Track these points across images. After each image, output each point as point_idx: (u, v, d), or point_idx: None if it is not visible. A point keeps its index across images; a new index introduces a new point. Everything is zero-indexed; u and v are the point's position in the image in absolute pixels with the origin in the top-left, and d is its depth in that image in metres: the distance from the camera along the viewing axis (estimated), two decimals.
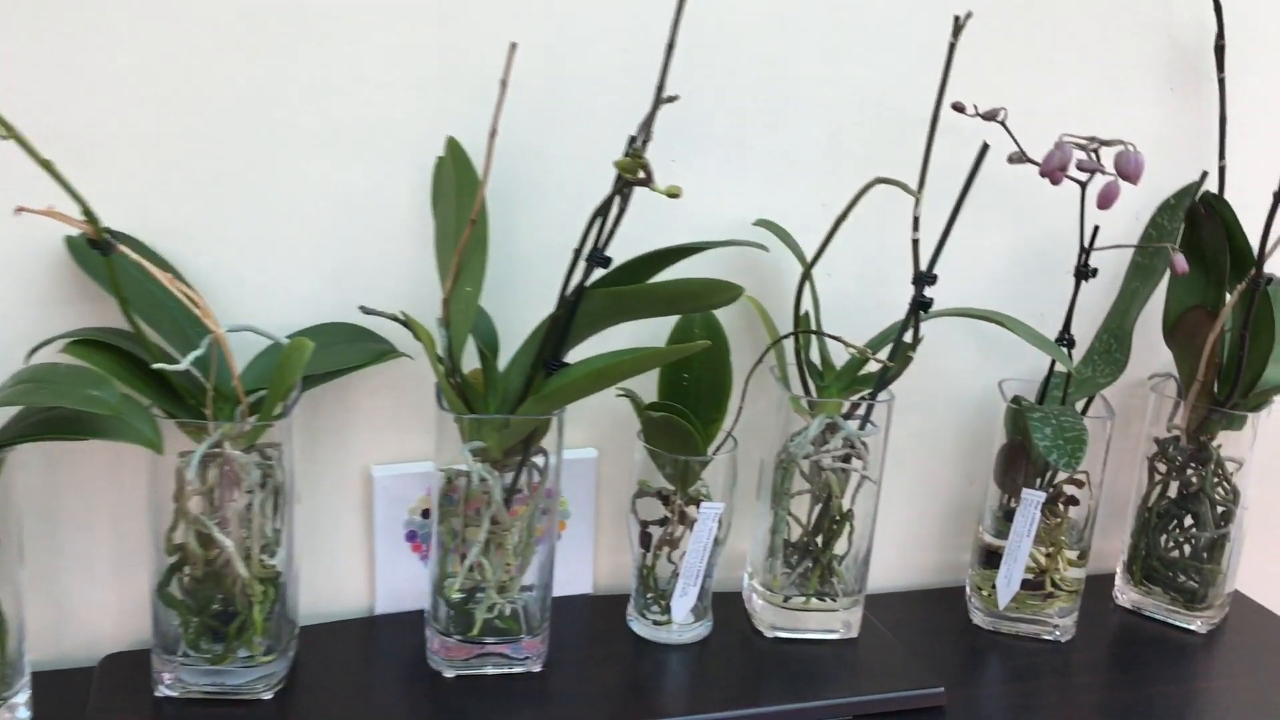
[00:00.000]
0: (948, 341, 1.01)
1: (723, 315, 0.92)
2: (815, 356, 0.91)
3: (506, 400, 0.80)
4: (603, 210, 0.72)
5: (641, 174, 0.66)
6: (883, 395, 0.88)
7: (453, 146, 0.79)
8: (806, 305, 0.89)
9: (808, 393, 0.90)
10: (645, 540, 0.89)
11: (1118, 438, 1.08)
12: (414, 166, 0.82)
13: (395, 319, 0.79)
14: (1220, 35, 0.96)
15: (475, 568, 0.81)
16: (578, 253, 0.74)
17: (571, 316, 0.77)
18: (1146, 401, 1.03)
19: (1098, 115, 0.98)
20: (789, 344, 0.90)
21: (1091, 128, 0.97)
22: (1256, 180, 0.95)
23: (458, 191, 0.78)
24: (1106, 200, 0.76)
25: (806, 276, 0.85)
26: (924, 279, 0.84)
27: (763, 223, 0.90)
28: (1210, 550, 1.00)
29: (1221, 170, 0.99)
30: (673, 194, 0.66)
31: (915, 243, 0.84)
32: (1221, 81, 0.98)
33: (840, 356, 0.92)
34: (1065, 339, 0.93)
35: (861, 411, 0.88)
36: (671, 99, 0.76)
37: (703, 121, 0.89)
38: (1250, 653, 0.98)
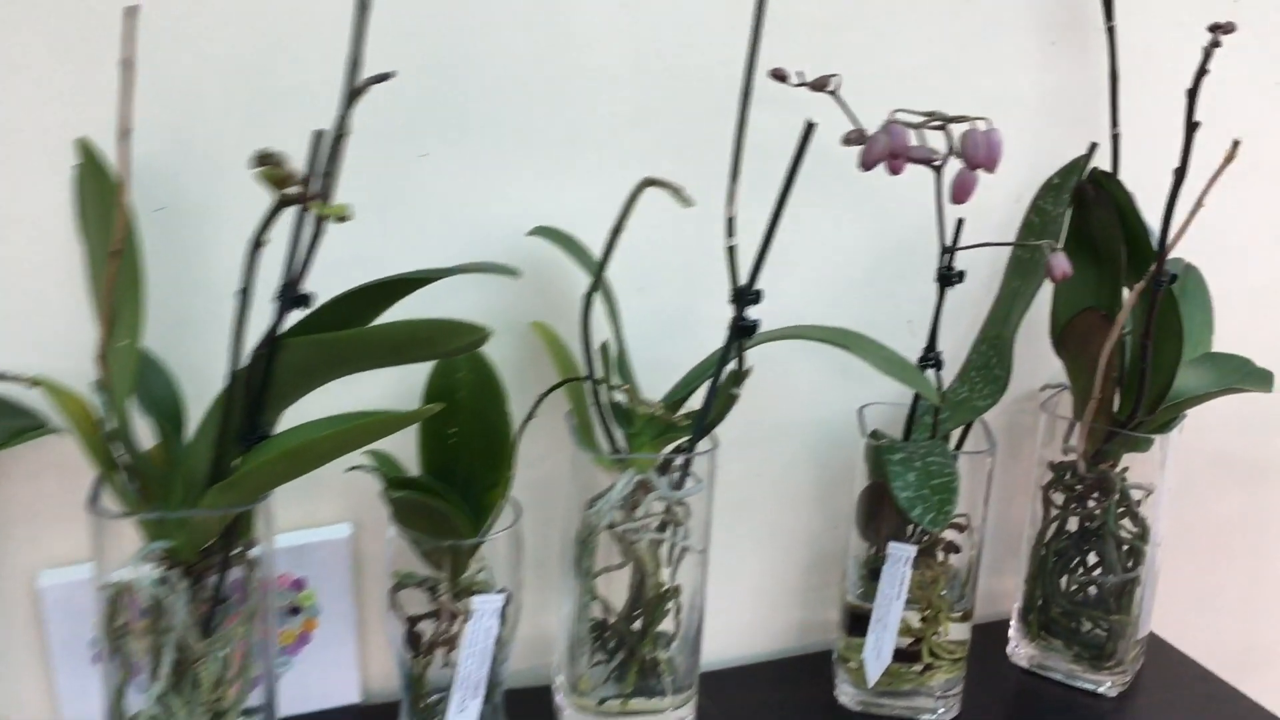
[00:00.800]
0: (799, 359, 0.83)
1: (507, 351, 0.74)
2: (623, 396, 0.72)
3: (195, 485, 0.61)
4: (261, 237, 0.51)
5: (297, 188, 0.46)
6: (704, 444, 0.70)
7: (86, 152, 0.58)
8: (607, 332, 0.71)
9: (613, 443, 0.71)
10: (413, 641, 0.70)
11: (1009, 459, 0.92)
12: (58, 176, 0.62)
13: (33, 383, 0.59)
14: None
15: (161, 707, 0.61)
16: (244, 294, 0.54)
17: (268, 373, 0.58)
18: (1038, 418, 0.86)
19: (964, 78, 0.80)
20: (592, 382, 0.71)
21: (957, 94, 0.80)
22: (1157, 150, 0.78)
23: (100, 211, 0.58)
24: (961, 192, 0.58)
25: (593, 294, 0.66)
26: (745, 297, 0.66)
27: (542, 231, 0.70)
28: (1118, 596, 0.84)
29: (1115, 139, 0.82)
30: (340, 216, 0.47)
31: (731, 251, 0.65)
32: (1111, 31, 0.80)
33: (656, 392, 0.73)
34: (930, 358, 0.75)
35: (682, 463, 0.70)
36: (383, 77, 0.56)
37: (461, 103, 0.69)
38: (1170, 716, 0.82)
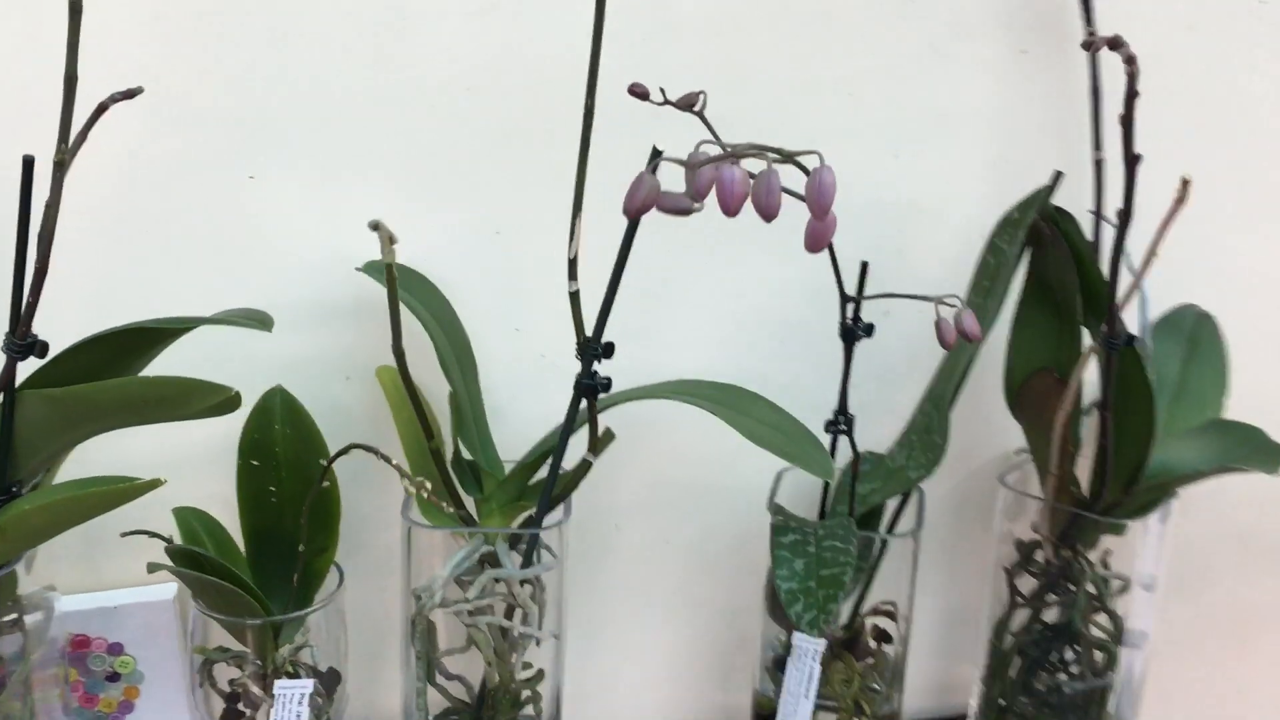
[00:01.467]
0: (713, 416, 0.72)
1: (361, 396, 0.66)
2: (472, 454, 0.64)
3: None
4: None
5: None
6: (553, 517, 0.61)
7: None
8: (453, 378, 0.62)
9: (461, 510, 0.62)
10: None
11: (979, 531, 0.80)
12: None
13: None
14: None
15: None
16: None
17: (5, 427, 0.51)
18: (997, 487, 0.74)
19: (910, 91, 0.69)
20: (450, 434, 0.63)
21: (901, 110, 0.69)
22: (1150, 180, 0.64)
23: None
24: (812, 242, 0.47)
25: (400, 352, 0.54)
26: (592, 351, 0.56)
27: (374, 267, 0.62)
28: (1087, 705, 0.71)
29: (1098, 165, 0.69)
30: None
31: (574, 297, 0.55)
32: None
33: (515, 451, 0.64)
34: (840, 422, 0.64)
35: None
36: (130, 94, 0.49)
37: (294, 120, 0.61)
38: None
